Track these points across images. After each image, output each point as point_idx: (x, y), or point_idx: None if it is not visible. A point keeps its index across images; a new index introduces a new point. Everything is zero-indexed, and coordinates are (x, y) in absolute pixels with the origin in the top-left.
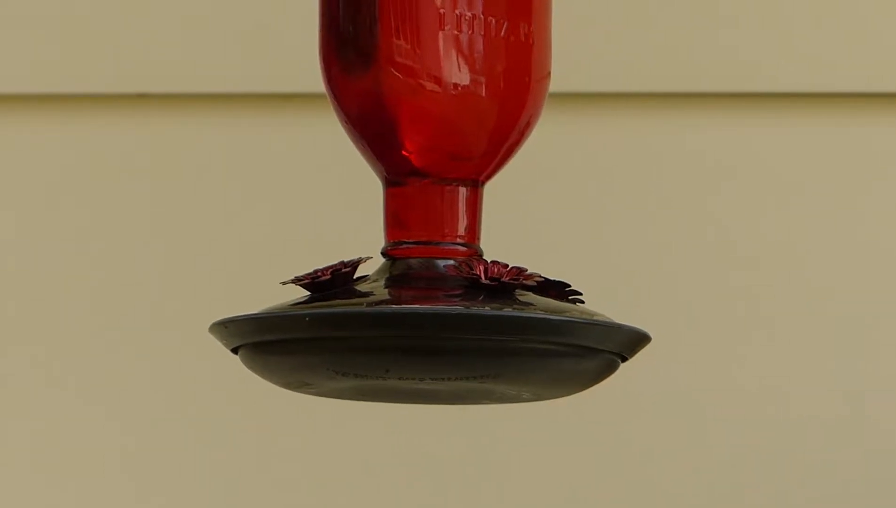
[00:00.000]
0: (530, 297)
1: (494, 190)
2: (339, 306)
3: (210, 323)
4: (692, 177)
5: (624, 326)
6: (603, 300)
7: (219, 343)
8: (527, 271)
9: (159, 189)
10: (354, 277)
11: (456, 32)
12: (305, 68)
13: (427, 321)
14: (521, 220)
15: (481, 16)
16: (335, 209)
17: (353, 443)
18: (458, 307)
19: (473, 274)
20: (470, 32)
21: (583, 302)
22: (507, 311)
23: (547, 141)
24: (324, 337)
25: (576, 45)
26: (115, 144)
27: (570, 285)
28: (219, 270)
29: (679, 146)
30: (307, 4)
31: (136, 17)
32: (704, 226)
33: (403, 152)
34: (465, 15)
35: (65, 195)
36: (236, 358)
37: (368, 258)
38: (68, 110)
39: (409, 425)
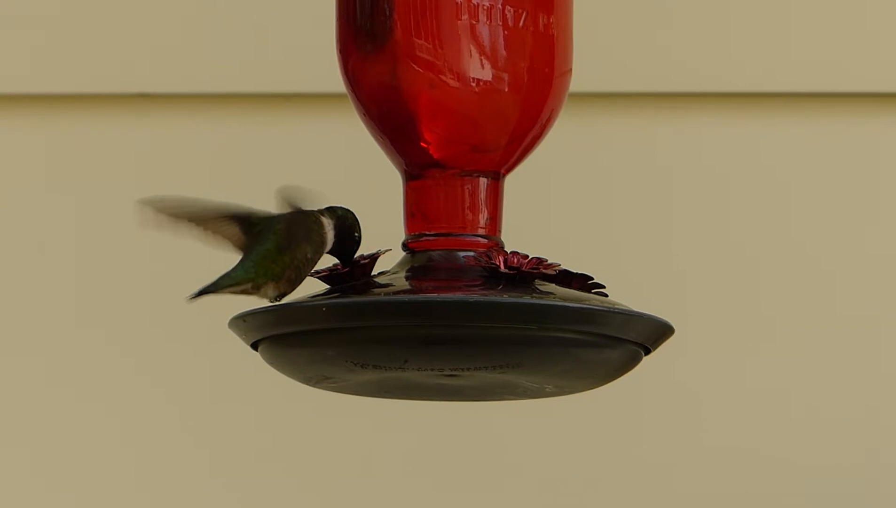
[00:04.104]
0: (550, 287)
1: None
2: (357, 297)
3: (227, 320)
4: (703, 176)
5: (645, 315)
6: (614, 296)
7: (228, 343)
8: (547, 261)
9: (160, 188)
10: (374, 269)
11: (473, 22)
12: (306, 68)
13: (444, 309)
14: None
15: (499, 6)
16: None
17: (354, 442)
18: (475, 296)
19: (493, 264)
20: (488, 22)
21: (606, 295)
22: (525, 299)
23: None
24: (341, 328)
25: (588, 46)
26: (115, 144)
27: (592, 278)
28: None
29: (691, 146)
30: (308, 4)
31: (136, 17)
32: (716, 225)
33: (423, 144)
34: (483, 5)
35: (65, 195)
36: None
37: (387, 251)
38: (68, 110)
39: (417, 422)
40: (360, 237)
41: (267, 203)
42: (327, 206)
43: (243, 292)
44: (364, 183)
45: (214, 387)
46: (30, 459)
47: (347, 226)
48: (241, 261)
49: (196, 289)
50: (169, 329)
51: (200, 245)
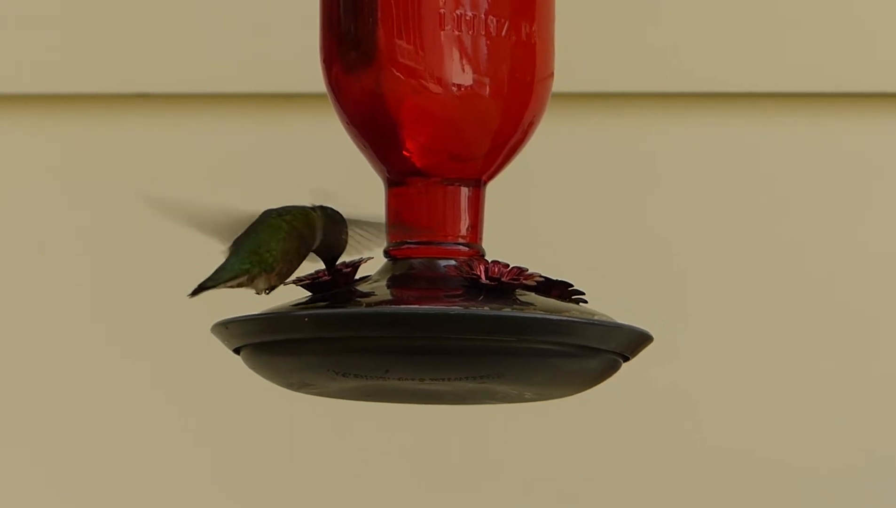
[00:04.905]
0: (531, 297)
1: (498, 190)
2: (339, 307)
3: (212, 324)
4: (694, 177)
5: (624, 326)
6: (606, 301)
7: (220, 344)
8: (527, 271)
9: (159, 189)
10: (356, 277)
11: (457, 33)
12: (305, 68)
13: (425, 321)
14: (526, 220)
15: (482, 16)
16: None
17: (353, 442)
18: (456, 308)
19: (473, 274)
20: (471, 32)
21: (585, 302)
22: (506, 311)
23: (550, 141)
24: (323, 338)
25: (578, 46)
26: (115, 144)
27: (572, 285)
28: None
29: (681, 146)
30: (307, 4)
31: (136, 17)
32: (707, 226)
33: (405, 153)
34: (466, 15)
35: (65, 195)
36: (237, 359)
37: (370, 259)
38: (68, 110)
39: (410, 424)
40: (346, 240)
41: (263, 203)
42: (319, 204)
43: (239, 285)
44: (364, 183)
45: (215, 387)
46: (29, 459)
47: (336, 228)
48: (233, 252)
49: (194, 286)
50: (169, 328)
51: (201, 244)
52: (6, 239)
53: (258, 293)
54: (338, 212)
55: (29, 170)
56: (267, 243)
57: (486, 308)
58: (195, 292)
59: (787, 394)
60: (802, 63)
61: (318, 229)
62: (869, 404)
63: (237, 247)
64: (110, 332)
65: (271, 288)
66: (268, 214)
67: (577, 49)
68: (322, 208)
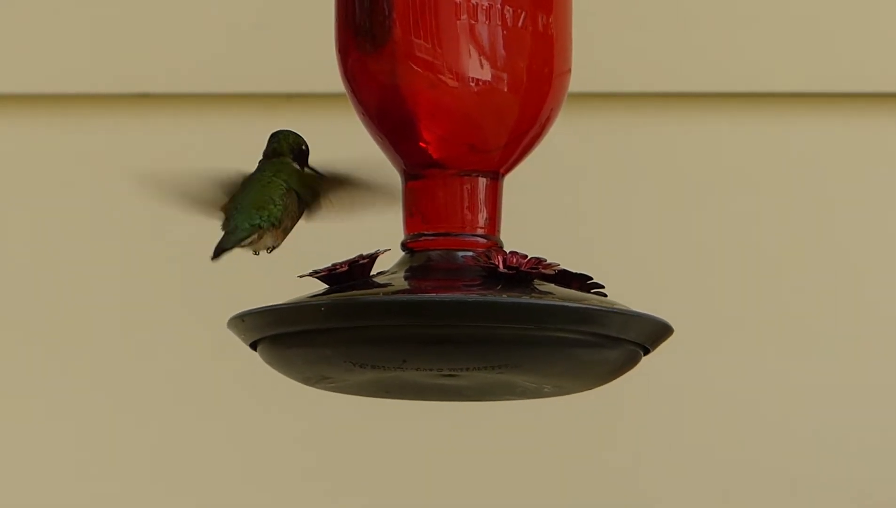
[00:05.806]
0: (550, 286)
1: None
2: (355, 296)
3: (227, 319)
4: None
5: (645, 315)
6: (626, 294)
7: (235, 340)
8: (546, 260)
9: (159, 188)
10: (373, 269)
11: (472, 22)
12: (306, 68)
13: (442, 309)
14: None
15: (498, 6)
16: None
17: (367, 439)
18: (474, 296)
19: (491, 264)
20: (487, 22)
21: (605, 295)
22: (525, 299)
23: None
24: (339, 327)
25: (594, 46)
26: (115, 144)
27: (591, 278)
28: (232, 266)
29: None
30: (308, 4)
31: (137, 17)
32: (717, 225)
33: (422, 144)
34: (482, 4)
35: (65, 195)
36: (253, 356)
37: (387, 251)
38: (68, 110)
39: (420, 420)
40: (307, 148)
41: None
42: (274, 142)
43: (250, 243)
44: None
45: (217, 387)
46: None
47: (302, 150)
48: (237, 212)
49: (212, 250)
50: (176, 328)
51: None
52: (6, 239)
53: (257, 253)
54: (290, 134)
55: (27, 170)
56: (270, 197)
57: (504, 296)
58: (216, 256)
59: (788, 397)
60: (809, 63)
61: (304, 183)
62: (867, 406)
63: (236, 206)
64: (125, 329)
65: (274, 247)
66: (261, 170)
67: (591, 49)
68: (280, 143)
